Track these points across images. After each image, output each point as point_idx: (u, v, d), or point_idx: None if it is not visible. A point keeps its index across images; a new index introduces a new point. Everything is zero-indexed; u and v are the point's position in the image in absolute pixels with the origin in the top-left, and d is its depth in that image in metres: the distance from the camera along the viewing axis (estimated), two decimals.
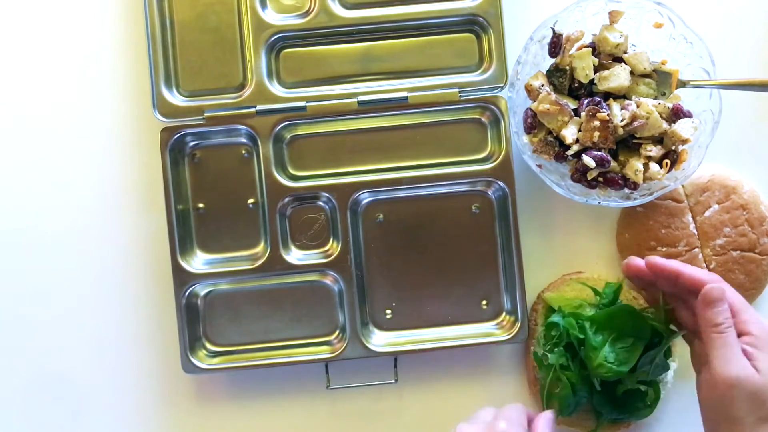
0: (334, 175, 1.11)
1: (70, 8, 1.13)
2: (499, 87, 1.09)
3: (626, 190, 1.06)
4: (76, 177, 1.13)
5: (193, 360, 1.09)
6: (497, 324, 1.11)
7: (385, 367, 1.11)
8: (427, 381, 1.13)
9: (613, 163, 1.05)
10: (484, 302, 1.11)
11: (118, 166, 1.13)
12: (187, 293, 1.09)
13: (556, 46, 1.06)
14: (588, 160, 1.03)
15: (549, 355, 1.06)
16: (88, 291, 1.13)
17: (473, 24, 1.10)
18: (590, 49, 1.06)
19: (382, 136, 1.11)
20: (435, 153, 1.11)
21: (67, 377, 1.13)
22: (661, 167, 1.04)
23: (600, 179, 1.05)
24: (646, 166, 1.04)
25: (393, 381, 1.11)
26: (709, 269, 1.09)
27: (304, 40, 1.11)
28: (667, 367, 1.05)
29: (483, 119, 1.11)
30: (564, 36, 1.05)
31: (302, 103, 1.10)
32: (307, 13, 1.10)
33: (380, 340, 1.10)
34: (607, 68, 1.06)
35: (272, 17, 1.10)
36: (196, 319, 1.10)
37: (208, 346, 1.11)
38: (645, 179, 1.04)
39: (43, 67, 1.14)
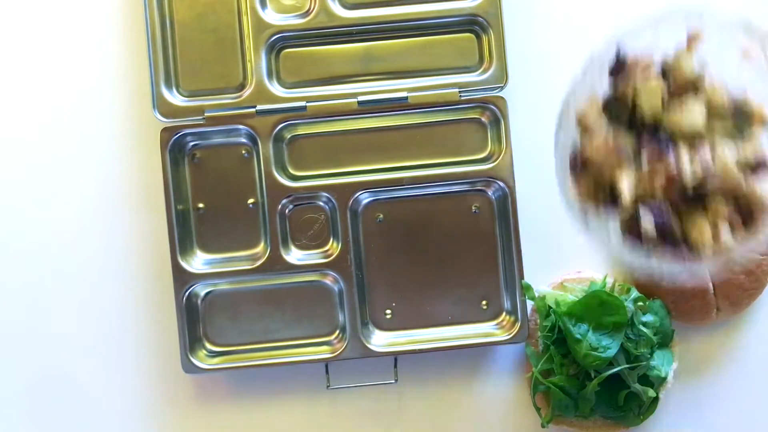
0: (334, 175, 1.11)
1: (69, 8, 1.13)
2: (499, 87, 1.09)
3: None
4: (76, 177, 1.13)
5: (193, 360, 1.09)
6: (497, 324, 1.11)
7: (385, 367, 1.11)
8: (427, 381, 1.13)
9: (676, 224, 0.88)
10: (484, 302, 1.11)
11: (118, 166, 1.13)
12: (187, 293, 1.09)
13: (619, 71, 0.88)
14: (648, 224, 0.85)
15: (532, 362, 1.07)
16: (88, 291, 1.13)
17: (473, 24, 1.10)
18: (661, 82, 0.87)
19: (382, 136, 1.11)
20: (435, 153, 1.11)
21: (66, 377, 1.13)
22: (734, 232, 0.85)
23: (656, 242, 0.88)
24: (714, 230, 0.86)
25: (393, 381, 1.11)
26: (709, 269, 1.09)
27: (304, 40, 1.11)
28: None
29: (483, 119, 1.11)
30: (630, 60, 0.87)
31: (302, 103, 1.10)
32: (307, 13, 1.10)
33: (380, 340, 1.10)
34: (677, 101, 0.87)
35: (272, 17, 1.10)
36: (196, 319, 1.10)
37: (208, 346, 1.11)
38: (714, 251, 0.86)
39: (42, 68, 1.14)
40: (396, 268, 1.11)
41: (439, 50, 1.11)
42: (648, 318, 1.07)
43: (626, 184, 0.85)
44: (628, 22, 0.90)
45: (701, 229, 0.85)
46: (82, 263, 1.13)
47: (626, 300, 1.06)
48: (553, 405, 1.06)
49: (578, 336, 1.05)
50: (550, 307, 1.07)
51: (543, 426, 1.08)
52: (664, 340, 1.08)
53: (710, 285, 1.09)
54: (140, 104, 1.13)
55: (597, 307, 1.05)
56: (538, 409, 1.08)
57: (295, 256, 1.11)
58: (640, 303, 1.07)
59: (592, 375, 1.05)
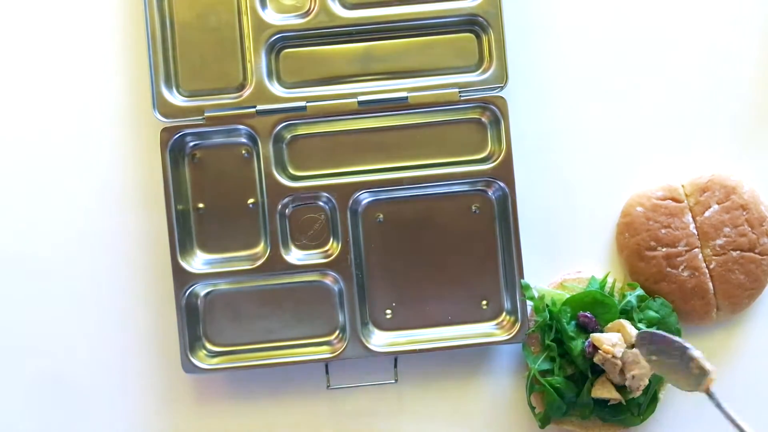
0: (334, 175, 1.11)
1: (70, 8, 1.13)
2: (499, 87, 1.09)
3: None
4: (76, 177, 1.13)
5: (193, 360, 1.09)
6: (497, 324, 1.11)
7: (385, 367, 1.11)
8: (427, 381, 1.13)
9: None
10: (484, 302, 1.11)
11: (118, 166, 1.13)
12: (187, 293, 1.09)
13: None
14: None
15: (528, 362, 1.08)
16: (88, 291, 1.13)
17: (473, 24, 1.10)
18: None
19: (382, 136, 1.11)
20: (435, 153, 1.11)
21: (67, 377, 1.13)
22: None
23: None
24: None
25: (393, 381, 1.11)
26: (709, 269, 1.09)
27: (304, 40, 1.11)
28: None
29: (483, 119, 1.11)
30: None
31: (302, 103, 1.10)
32: (307, 13, 1.10)
33: (380, 340, 1.10)
34: None
35: (272, 17, 1.10)
36: (196, 319, 1.10)
37: (208, 346, 1.11)
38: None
39: (42, 68, 1.14)
40: (396, 268, 1.11)
41: (439, 50, 1.11)
42: (649, 314, 1.07)
43: None
44: None
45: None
46: (82, 263, 1.13)
47: (630, 295, 1.07)
48: (547, 406, 1.07)
49: (572, 334, 1.05)
50: (547, 306, 1.07)
51: (541, 427, 1.08)
52: None
53: (710, 285, 1.09)
54: (140, 104, 1.13)
55: (590, 305, 1.06)
56: (532, 408, 1.08)
57: (295, 256, 1.11)
58: (642, 302, 1.08)
59: (589, 376, 1.05)
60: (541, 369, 1.06)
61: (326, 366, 1.10)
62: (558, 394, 1.06)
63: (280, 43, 1.11)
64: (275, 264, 1.09)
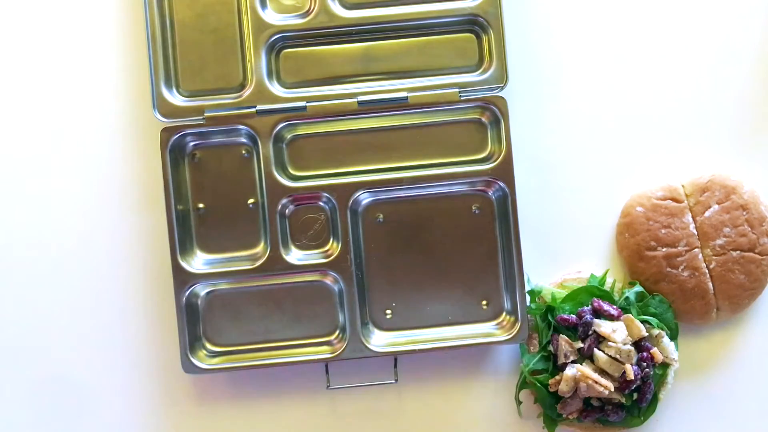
0: (334, 175, 1.11)
1: (70, 8, 1.13)
2: (499, 87, 1.09)
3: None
4: (76, 177, 1.13)
5: (193, 360, 1.09)
6: (497, 324, 1.11)
7: (385, 367, 1.11)
8: (427, 381, 1.13)
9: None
10: (484, 302, 1.11)
11: (118, 166, 1.13)
12: (187, 293, 1.09)
13: None
14: None
15: (522, 359, 1.08)
16: (88, 291, 1.13)
17: (473, 24, 1.10)
18: None
19: (382, 136, 1.11)
20: (435, 153, 1.11)
21: (67, 377, 1.13)
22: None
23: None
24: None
25: (393, 381, 1.11)
26: (709, 269, 1.09)
27: (304, 40, 1.11)
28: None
29: (483, 119, 1.11)
30: None
31: (302, 103, 1.10)
32: (307, 13, 1.10)
33: (380, 340, 1.10)
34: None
35: (272, 17, 1.11)
36: (196, 319, 1.10)
37: (208, 346, 1.11)
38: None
39: (42, 67, 1.14)
40: (396, 268, 1.11)
41: (439, 50, 1.11)
42: (648, 311, 1.07)
43: None
44: None
45: None
46: (82, 263, 1.13)
47: (628, 292, 1.07)
48: (539, 402, 1.07)
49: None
50: (545, 301, 1.08)
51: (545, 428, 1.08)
52: (669, 335, 1.08)
53: (710, 285, 1.09)
54: (140, 104, 1.13)
55: (587, 300, 1.06)
56: (519, 403, 1.08)
57: (295, 256, 1.11)
58: (641, 300, 1.08)
59: None
60: (534, 368, 1.07)
61: (326, 366, 1.10)
62: (548, 391, 1.06)
63: (280, 43, 1.11)
64: (275, 264, 1.09)
